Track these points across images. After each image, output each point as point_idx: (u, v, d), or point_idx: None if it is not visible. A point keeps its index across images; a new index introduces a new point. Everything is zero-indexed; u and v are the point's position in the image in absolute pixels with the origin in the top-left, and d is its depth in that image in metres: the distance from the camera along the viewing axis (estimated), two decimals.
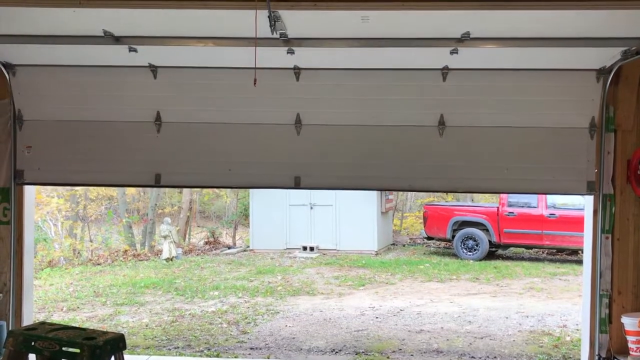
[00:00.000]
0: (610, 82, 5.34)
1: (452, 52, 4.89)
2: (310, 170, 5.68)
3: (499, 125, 5.53)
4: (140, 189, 21.13)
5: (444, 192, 16.42)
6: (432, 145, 5.57)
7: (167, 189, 21.69)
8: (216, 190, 22.16)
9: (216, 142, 5.72)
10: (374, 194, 16.47)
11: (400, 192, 23.77)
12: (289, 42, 4.76)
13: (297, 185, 5.64)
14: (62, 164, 5.72)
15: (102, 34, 4.66)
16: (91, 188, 17.91)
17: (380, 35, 4.69)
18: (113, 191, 18.63)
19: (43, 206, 15.24)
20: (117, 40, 4.77)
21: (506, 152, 5.51)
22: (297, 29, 4.53)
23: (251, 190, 17.67)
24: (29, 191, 5.96)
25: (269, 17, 3.96)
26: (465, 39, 4.59)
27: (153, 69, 5.51)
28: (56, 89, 5.67)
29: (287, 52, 4.96)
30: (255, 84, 3.92)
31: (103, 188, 18.44)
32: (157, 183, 5.74)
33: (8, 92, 5.72)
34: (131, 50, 4.99)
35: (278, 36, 4.51)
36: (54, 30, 4.70)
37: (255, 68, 3.94)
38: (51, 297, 10.60)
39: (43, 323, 4.50)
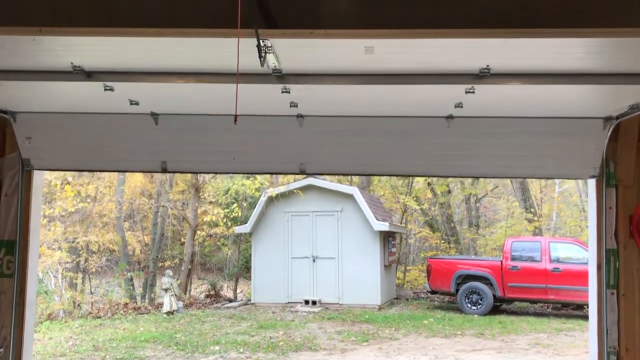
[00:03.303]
0: (609, 138, 5.40)
1: (467, 92, 4.34)
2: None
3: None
4: (142, 241, 21.07)
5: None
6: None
7: (169, 241, 21.64)
8: (217, 242, 22.09)
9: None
10: (377, 246, 16.40)
11: (404, 245, 23.64)
12: (283, 79, 4.15)
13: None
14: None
15: (72, 69, 4.12)
16: (93, 240, 17.89)
17: (386, 71, 4.11)
18: (114, 245, 18.59)
19: (45, 258, 15.17)
20: (89, 75, 4.21)
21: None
22: (292, 62, 3.94)
23: (253, 242, 17.63)
24: (34, 243, 5.97)
25: (257, 46, 3.34)
26: (484, 75, 4.04)
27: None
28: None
29: (282, 92, 4.40)
30: (235, 121, 3.44)
31: (104, 240, 18.42)
32: (164, 170, 5.69)
33: (16, 145, 5.78)
34: (107, 89, 4.46)
35: (270, 71, 3.97)
36: (18, 64, 4.16)
37: (236, 103, 3.49)
38: (50, 351, 10.43)
39: None
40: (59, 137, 5.58)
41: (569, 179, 4.95)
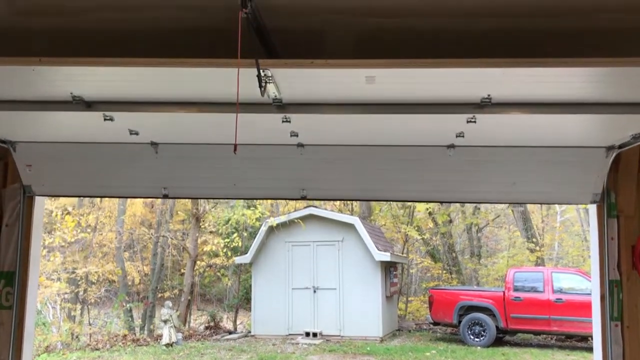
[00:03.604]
0: (610, 168, 5.39)
1: (469, 121, 4.30)
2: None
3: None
4: (142, 271, 20.95)
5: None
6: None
7: (169, 271, 21.52)
8: (217, 272, 21.95)
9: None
10: (378, 277, 16.29)
11: (405, 275, 23.47)
12: (283, 108, 4.13)
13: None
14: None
15: (71, 99, 4.10)
16: (92, 271, 17.79)
17: (387, 100, 4.09)
18: (114, 275, 18.48)
19: (43, 289, 15.06)
20: (89, 106, 4.18)
21: None
22: (292, 92, 3.92)
23: (253, 272, 17.51)
24: (33, 275, 5.93)
25: (258, 76, 3.36)
26: (485, 104, 4.03)
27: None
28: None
29: (283, 121, 4.36)
30: (235, 151, 3.40)
31: (103, 271, 18.32)
32: (165, 196, 5.67)
33: (18, 176, 5.79)
34: (106, 119, 4.42)
35: (271, 101, 3.95)
36: (18, 94, 4.16)
37: (235, 133, 3.44)
38: None
39: None
40: (59, 165, 5.59)
41: (569, 204, 4.93)
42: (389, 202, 23.90)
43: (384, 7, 3.48)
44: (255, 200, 18.68)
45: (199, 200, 18.55)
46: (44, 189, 5.67)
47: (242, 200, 18.49)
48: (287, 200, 21.78)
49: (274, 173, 5.47)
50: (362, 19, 3.60)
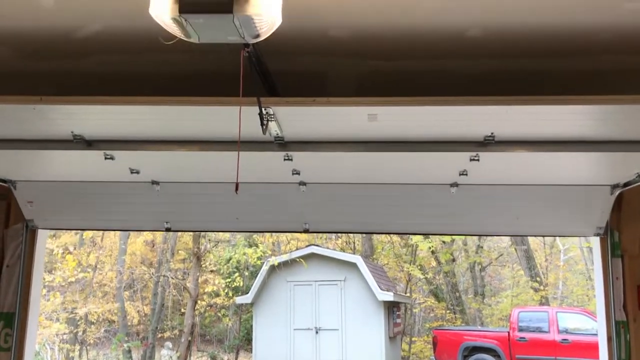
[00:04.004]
0: (612, 208, 5.38)
1: (472, 159, 4.26)
2: None
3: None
4: (142, 311, 20.72)
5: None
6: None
7: (169, 311, 21.29)
8: (218, 312, 21.71)
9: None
10: (381, 317, 16.09)
11: (409, 315, 23.17)
12: (285, 146, 4.11)
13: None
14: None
15: (72, 138, 4.10)
16: (92, 311, 17.61)
17: (389, 138, 4.07)
18: (114, 315, 18.28)
19: (42, 330, 14.88)
20: (89, 144, 4.17)
21: None
22: (294, 130, 3.91)
23: (254, 313, 17.32)
24: (33, 316, 5.88)
25: (259, 114, 3.34)
26: (489, 142, 3.99)
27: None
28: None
29: (285, 160, 4.34)
30: (237, 190, 3.35)
31: (103, 310, 18.14)
32: (168, 230, 5.67)
33: (20, 216, 5.80)
34: (107, 157, 4.41)
35: (272, 139, 3.94)
36: (18, 133, 4.13)
37: (237, 172, 3.38)
38: None
39: None
40: (59, 202, 5.59)
41: (572, 236, 4.97)
42: (391, 241, 23.88)
43: (384, 50, 3.50)
44: (256, 239, 18.64)
45: (200, 239, 18.50)
46: (46, 223, 5.67)
47: (243, 239, 18.43)
48: (289, 239, 21.75)
49: (276, 208, 5.47)
50: (362, 61, 3.64)
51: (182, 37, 2.53)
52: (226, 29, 2.40)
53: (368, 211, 5.49)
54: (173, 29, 2.48)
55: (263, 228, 6.03)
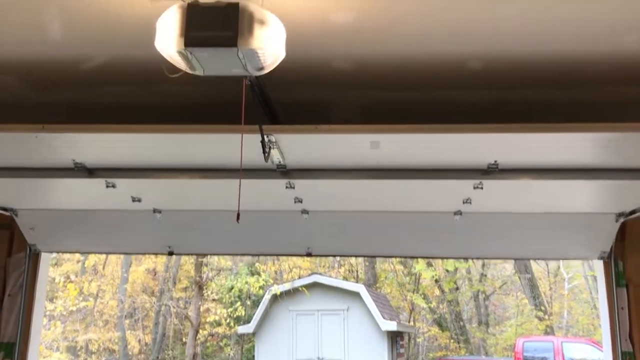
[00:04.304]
0: (616, 237, 5.37)
1: (475, 187, 4.22)
2: None
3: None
4: (143, 340, 20.52)
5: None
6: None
7: (170, 340, 21.08)
8: (219, 342, 21.50)
9: None
10: (384, 347, 15.89)
11: (412, 344, 22.88)
12: (287, 174, 4.08)
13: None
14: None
15: (73, 166, 4.17)
16: (93, 339, 17.45)
17: (392, 166, 4.04)
18: (114, 344, 18.11)
19: (42, 359, 14.73)
20: (91, 172, 4.17)
21: None
22: (296, 157, 3.89)
23: (256, 342, 17.15)
24: (34, 346, 5.82)
25: (262, 142, 3.33)
26: (492, 170, 3.96)
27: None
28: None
29: (287, 187, 4.31)
30: (238, 219, 3.31)
31: (104, 339, 17.98)
32: (171, 253, 5.71)
33: (23, 245, 5.79)
34: (109, 185, 4.39)
35: (275, 167, 3.92)
36: (19, 161, 4.15)
37: (239, 200, 3.35)
38: None
39: None
40: (61, 229, 5.59)
41: (576, 259, 4.96)
42: (394, 270, 23.73)
43: (387, 81, 3.51)
44: (259, 267, 18.53)
45: (202, 267, 18.41)
46: (48, 246, 5.65)
47: (245, 268, 18.33)
48: (291, 268, 21.63)
49: (279, 233, 5.47)
50: (365, 92, 3.65)
51: (187, 69, 2.56)
52: (230, 62, 2.43)
53: (371, 238, 5.47)
54: (178, 61, 2.51)
55: (266, 251, 6.08)
